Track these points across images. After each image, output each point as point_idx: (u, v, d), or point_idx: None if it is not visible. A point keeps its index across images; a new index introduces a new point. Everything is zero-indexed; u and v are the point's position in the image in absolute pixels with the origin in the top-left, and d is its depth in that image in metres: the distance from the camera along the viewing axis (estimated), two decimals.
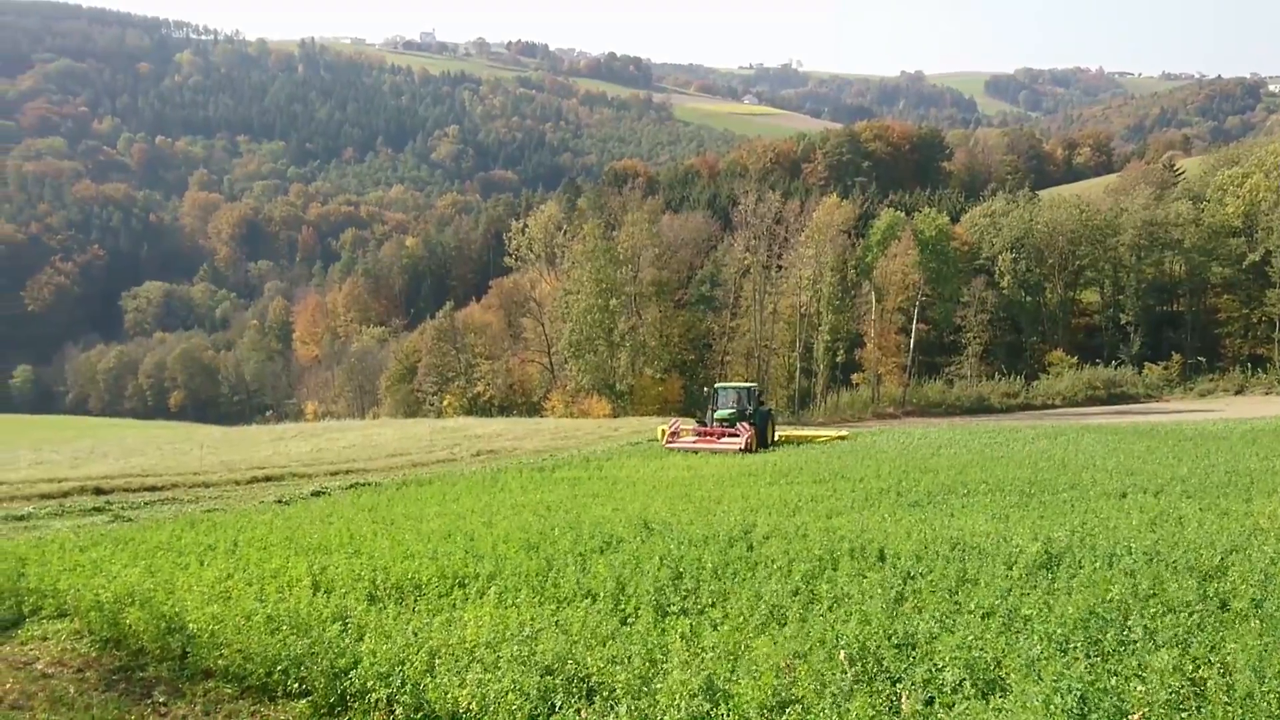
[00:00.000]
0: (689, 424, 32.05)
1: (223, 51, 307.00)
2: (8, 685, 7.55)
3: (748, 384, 38.77)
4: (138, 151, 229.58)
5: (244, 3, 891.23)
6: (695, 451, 28.25)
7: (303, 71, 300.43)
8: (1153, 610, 7.26)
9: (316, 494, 20.93)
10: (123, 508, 19.13)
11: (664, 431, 31.58)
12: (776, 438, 32.69)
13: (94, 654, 8.46)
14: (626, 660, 6.52)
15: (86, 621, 8.93)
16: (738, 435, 28.94)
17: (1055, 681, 5.65)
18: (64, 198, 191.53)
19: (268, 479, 24.64)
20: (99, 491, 21.23)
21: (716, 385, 35.48)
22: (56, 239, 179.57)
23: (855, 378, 68.03)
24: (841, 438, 33.11)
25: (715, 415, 31.07)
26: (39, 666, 8.16)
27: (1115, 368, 63.30)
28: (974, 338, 65.53)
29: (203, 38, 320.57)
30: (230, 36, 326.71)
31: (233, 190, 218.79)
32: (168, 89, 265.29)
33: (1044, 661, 6.09)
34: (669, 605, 8.19)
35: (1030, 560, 9.23)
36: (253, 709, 7.09)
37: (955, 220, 78.41)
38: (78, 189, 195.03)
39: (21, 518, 17.66)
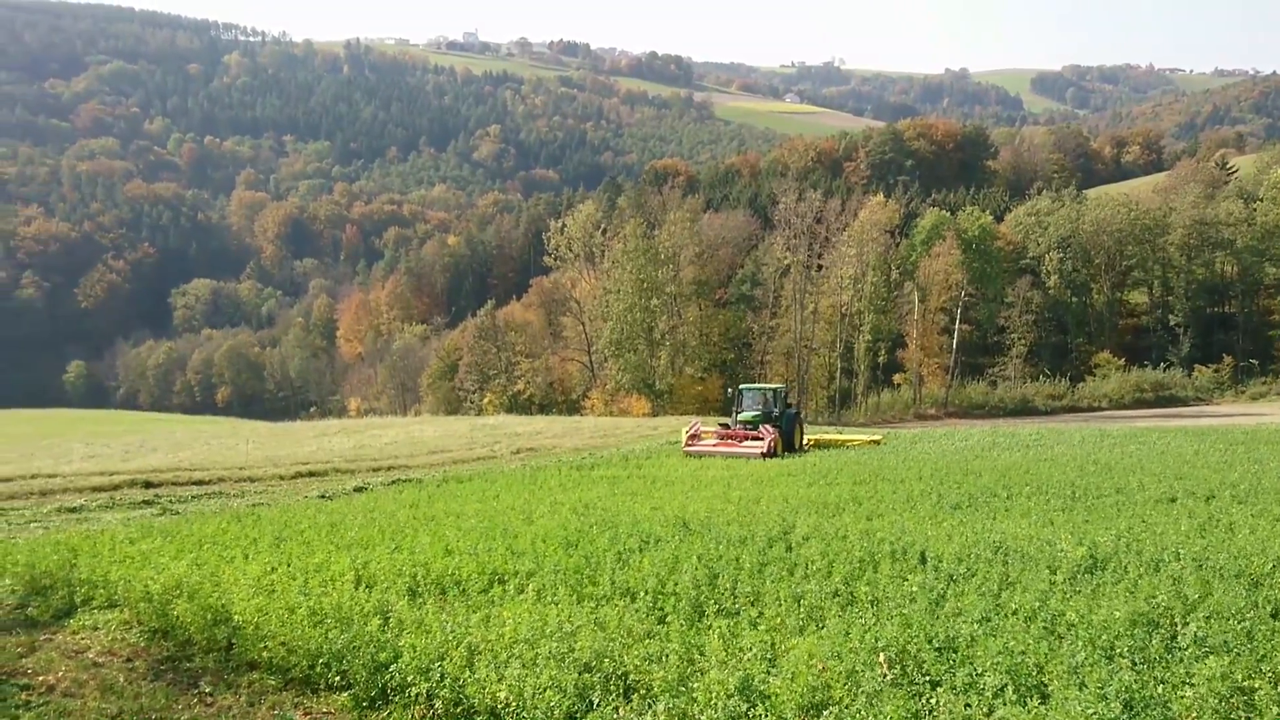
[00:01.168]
0: (710, 426, 30.39)
1: (270, 52, 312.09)
2: (60, 673, 7.74)
3: (774, 384, 37.12)
4: (187, 151, 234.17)
5: (291, 4, 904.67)
6: (714, 456, 26.52)
7: (348, 72, 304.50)
8: (1201, 617, 7.13)
9: (359, 489, 21.17)
10: (171, 501, 19.49)
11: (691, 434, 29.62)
12: (806, 442, 31.16)
13: (143, 644, 8.63)
14: (664, 659, 6.53)
15: (136, 612, 9.11)
16: (761, 439, 27.29)
17: (1099, 688, 5.57)
18: (116, 197, 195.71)
19: (311, 474, 24.96)
20: (148, 485, 21.64)
21: (741, 386, 33.59)
22: (108, 237, 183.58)
23: (897, 378, 67.53)
24: (875, 442, 31.40)
25: (739, 417, 29.42)
26: (90, 655, 8.34)
27: (1164, 370, 62.17)
28: (1018, 338, 64.72)
29: (250, 39, 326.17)
30: (277, 38, 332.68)
31: (279, 189, 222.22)
32: (216, 90, 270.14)
33: (1088, 668, 6.00)
34: (707, 605, 8.18)
35: (1075, 565, 9.10)
36: (296, 701, 7.19)
37: (1000, 219, 77.59)
38: (129, 188, 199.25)
39: (74, 510, 18.05)
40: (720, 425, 30.06)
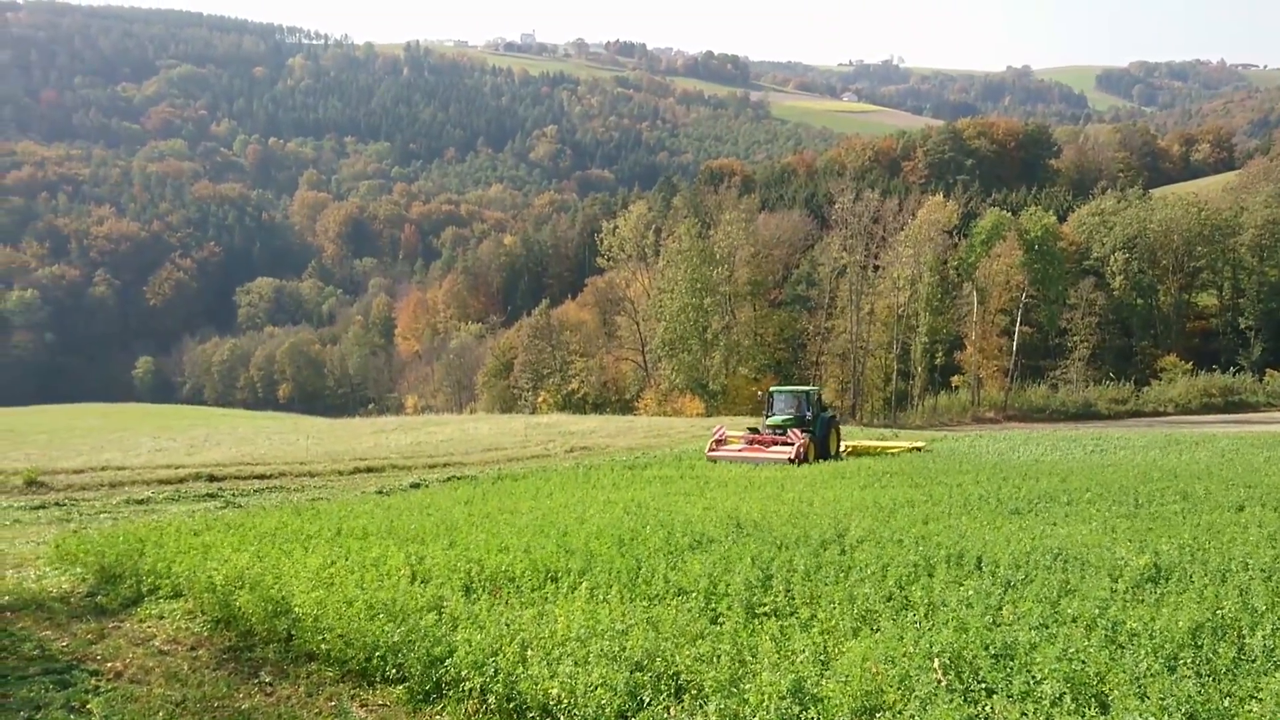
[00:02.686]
0: (738, 431, 29.02)
1: (332, 55, 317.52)
2: (128, 660, 7.97)
3: (807, 387, 35.26)
4: (252, 153, 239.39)
5: (353, 8, 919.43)
6: (739, 463, 25.04)
7: (407, 74, 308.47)
8: (1269, 629, 6.92)
9: (415, 486, 21.46)
10: (234, 494, 19.96)
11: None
12: (843, 448, 29.39)
13: (206, 633, 8.86)
14: (715, 660, 6.52)
15: (199, 602, 9.34)
16: (789, 444, 25.73)
17: (1161, 699, 5.44)
18: (184, 197, 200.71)
19: (369, 470, 25.36)
20: (212, 478, 22.16)
21: (771, 388, 31.54)
22: (176, 236, 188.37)
23: (954, 380, 66.50)
24: (918, 448, 29.36)
25: (767, 421, 27.97)
26: (156, 643, 8.58)
27: (1233, 374, 60.32)
28: (1081, 341, 63.34)
29: (313, 42, 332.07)
30: (339, 41, 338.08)
31: (340, 190, 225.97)
32: (280, 92, 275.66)
33: (1150, 678, 5.86)
34: (759, 606, 8.15)
35: (1137, 573, 8.89)
36: (352, 692, 7.32)
37: (1062, 220, 76.03)
38: (196, 189, 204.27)
39: (142, 501, 18.58)
40: (749, 430, 28.57)
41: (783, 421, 27.47)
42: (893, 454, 28.38)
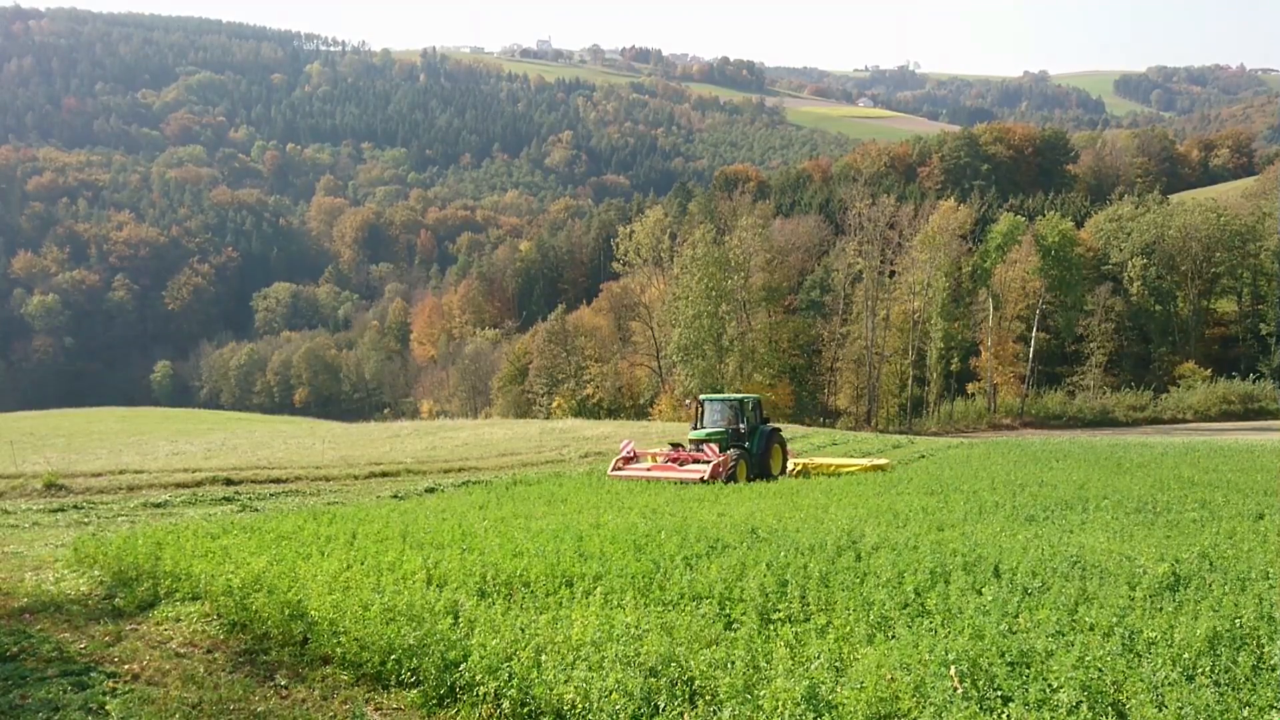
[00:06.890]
0: (662, 446, 25.62)
1: (350, 62, 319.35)
2: (145, 662, 8.01)
3: (745, 394, 30.95)
4: (270, 159, 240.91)
5: (370, 15, 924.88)
6: (649, 481, 21.88)
7: (424, 80, 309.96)
8: None
9: (430, 490, 21.53)
10: (250, 498, 20.06)
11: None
12: (791, 467, 25.79)
13: (222, 636, 8.89)
14: (730, 665, 6.51)
15: (216, 605, 9.38)
16: (707, 461, 22.45)
17: (1179, 709, 5.40)
18: (202, 203, 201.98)
19: (384, 474, 25.45)
20: (229, 482, 22.27)
21: (702, 396, 27.84)
22: (194, 242, 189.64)
23: (970, 387, 66.23)
24: (879, 467, 25.25)
25: (690, 434, 24.62)
26: (173, 645, 8.62)
27: (1253, 382, 59.83)
28: (1098, 347, 62.96)
29: (331, 49, 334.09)
30: (357, 47, 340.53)
31: (356, 195, 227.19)
32: (298, 99, 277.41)
33: (1168, 687, 5.82)
34: (774, 612, 8.13)
35: (1155, 581, 8.82)
36: (367, 696, 7.33)
37: (1080, 225, 75.63)
38: (214, 194, 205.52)
39: (159, 505, 18.69)
40: (670, 445, 25.02)
41: (706, 435, 23.96)
42: (849, 472, 24.61)
